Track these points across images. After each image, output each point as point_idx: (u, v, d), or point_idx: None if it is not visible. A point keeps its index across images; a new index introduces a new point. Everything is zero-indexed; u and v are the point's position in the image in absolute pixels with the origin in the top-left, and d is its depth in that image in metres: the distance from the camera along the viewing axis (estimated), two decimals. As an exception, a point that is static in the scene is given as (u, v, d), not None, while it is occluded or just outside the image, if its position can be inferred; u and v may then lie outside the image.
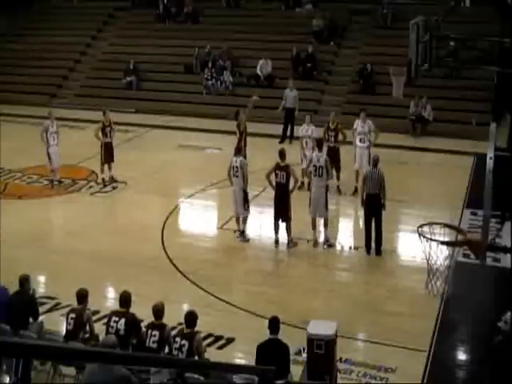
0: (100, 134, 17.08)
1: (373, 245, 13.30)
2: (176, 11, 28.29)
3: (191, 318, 8.57)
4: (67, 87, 27.13)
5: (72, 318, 9.09)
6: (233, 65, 25.19)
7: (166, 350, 8.65)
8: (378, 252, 13.29)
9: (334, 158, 15.55)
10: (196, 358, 8.36)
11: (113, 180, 17.31)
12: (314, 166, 13.57)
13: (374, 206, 13.23)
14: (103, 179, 17.32)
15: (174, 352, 8.39)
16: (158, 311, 8.74)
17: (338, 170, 16.20)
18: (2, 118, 23.04)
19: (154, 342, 8.56)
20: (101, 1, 31.12)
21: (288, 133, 20.84)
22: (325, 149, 15.42)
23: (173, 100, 24.66)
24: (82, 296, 9.28)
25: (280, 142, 20.14)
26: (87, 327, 9.24)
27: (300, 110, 20.81)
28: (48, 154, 17.02)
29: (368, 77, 23.25)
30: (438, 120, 21.52)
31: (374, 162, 13.38)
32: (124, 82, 25.92)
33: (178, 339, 8.45)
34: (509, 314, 7.93)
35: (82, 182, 17.64)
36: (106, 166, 17.26)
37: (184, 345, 8.34)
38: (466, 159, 18.58)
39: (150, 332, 8.65)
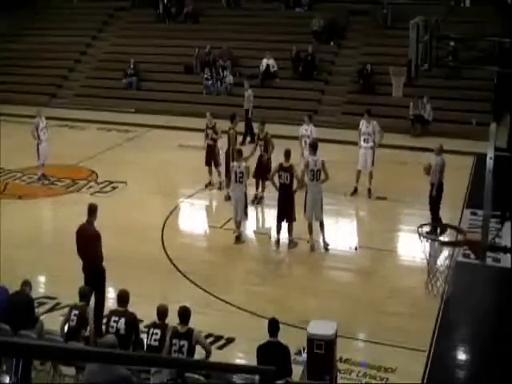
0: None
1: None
2: (176, 11, 28.29)
3: (186, 313, 8.60)
4: (67, 87, 27.12)
5: (75, 315, 9.19)
6: (233, 65, 25.20)
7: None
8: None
9: (264, 167, 15.40)
10: (202, 351, 8.46)
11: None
12: (312, 170, 13.33)
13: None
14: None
15: (174, 354, 8.39)
16: (163, 313, 8.82)
17: (265, 180, 15.43)
18: (2, 117, 23.04)
19: (155, 340, 8.65)
20: (101, 1, 31.13)
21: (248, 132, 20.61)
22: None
23: (173, 100, 24.67)
24: (85, 293, 9.38)
25: (242, 143, 19.81)
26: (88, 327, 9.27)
27: (300, 109, 20.80)
28: (38, 150, 17.14)
29: (368, 77, 23.25)
30: (438, 120, 21.52)
31: (439, 152, 13.96)
32: (124, 82, 25.91)
33: (175, 341, 8.43)
34: None
35: (81, 181, 17.65)
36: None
37: (183, 345, 8.37)
38: (466, 159, 18.55)
39: (151, 331, 8.73)
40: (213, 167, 16.80)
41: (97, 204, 11.06)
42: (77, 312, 9.19)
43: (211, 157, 16.78)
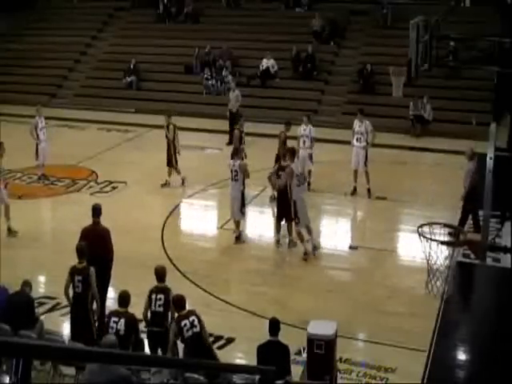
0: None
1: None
2: (176, 11, 28.30)
3: (183, 301, 8.77)
4: (67, 87, 27.13)
5: (79, 281, 9.40)
6: (233, 65, 25.21)
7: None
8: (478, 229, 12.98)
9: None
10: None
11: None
12: (297, 175, 13.01)
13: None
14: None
15: (188, 333, 8.55)
16: (162, 274, 9.22)
17: None
18: (1, 117, 23.02)
19: (159, 306, 8.97)
20: (101, 1, 31.15)
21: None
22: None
23: (173, 100, 24.66)
24: (83, 249, 9.65)
25: (228, 144, 19.69)
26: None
27: (300, 110, 20.78)
28: (37, 150, 17.18)
29: (368, 77, 23.26)
30: (438, 120, 21.53)
31: (471, 156, 13.49)
32: (124, 82, 25.92)
33: (185, 322, 8.58)
34: None
35: (81, 181, 17.65)
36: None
37: (194, 320, 8.60)
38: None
39: (154, 296, 9.02)
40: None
41: (100, 204, 11.08)
42: (80, 278, 9.40)
43: (168, 156, 17.04)
